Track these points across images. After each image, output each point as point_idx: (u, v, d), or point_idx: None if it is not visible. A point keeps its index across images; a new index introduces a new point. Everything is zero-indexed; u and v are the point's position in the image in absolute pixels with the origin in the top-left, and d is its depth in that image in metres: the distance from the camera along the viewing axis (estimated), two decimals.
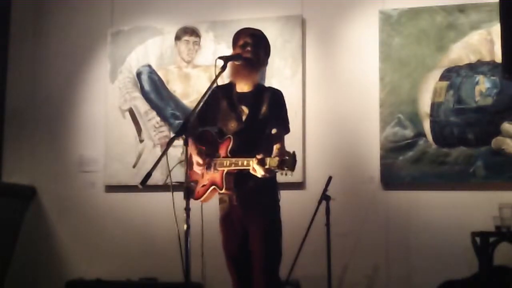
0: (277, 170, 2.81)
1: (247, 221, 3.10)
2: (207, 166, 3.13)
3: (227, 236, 3.17)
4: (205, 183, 3.15)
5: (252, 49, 3.18)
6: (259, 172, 2.87)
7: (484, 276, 3.87)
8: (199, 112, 3.23)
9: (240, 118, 3.16)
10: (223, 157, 3.08)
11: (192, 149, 3.16)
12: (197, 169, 3.18)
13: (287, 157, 2.78)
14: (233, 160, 3.01)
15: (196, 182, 3.19)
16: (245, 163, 2.95)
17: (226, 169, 3.04)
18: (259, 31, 3.31)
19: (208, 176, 3.14)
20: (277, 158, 2.81)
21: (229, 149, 3.07)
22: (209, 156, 3.14)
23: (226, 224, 3.18)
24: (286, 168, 2.78)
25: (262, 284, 3.04)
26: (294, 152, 2.79)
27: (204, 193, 3.14)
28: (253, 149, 2.97)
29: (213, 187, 3.10)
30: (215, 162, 3.10)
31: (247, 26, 3.38)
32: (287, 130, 3.22)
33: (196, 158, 3.16)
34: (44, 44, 5.35)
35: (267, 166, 2.83)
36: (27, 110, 5.31)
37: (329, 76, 4.74)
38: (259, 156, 2.86)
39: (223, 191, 3.06)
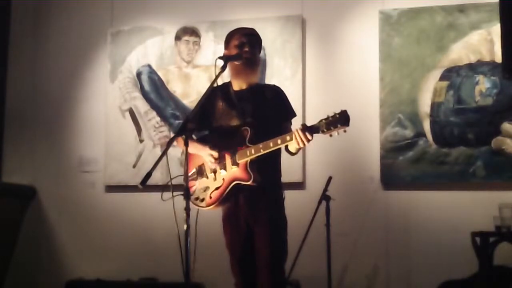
0: (326, 132, 2.79)
1: (253, 220, 3.09)
2: (220, 164, 3.10)
3: (232, 236, 3.16)
4: (218, 185, 3.11)
5: (249, 49, 3.17)
6: (305, 140, 2.86)
7: (484, 276, 3.87)
8: (196, 114, 3.22)
9: (242, 115, 3.16)
10: (243, 149, 3.04)
11: (200, 148, 3.14)
12: (211, 164, 3.13)
13: (331, 117, 2.77)
14: (260, 145, 2.97)
15: (206, 188, 3.16)
16: (279, 141, 2.92)
17: (249, 159, 3.01)
18: (253, 30, 3.29)
19: (221, 176, 3.11)
20: (323, 121, 2.80)
21: (247, 139, 3.05)
22: (221, 156, 3.12)
23: (230, 224, 3.16)
24: (339, 126, 2.76)
25: (268, 283, 3.03)
26: (343, 110, 2.78)
27: (221, 196, 3.09)
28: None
29: (234, 183, 3.06)
30: (234, 156, 3.06)
31: (247, 26, 3.38)
32: (294, 115, 3.26)
33: (209, 152, 3.11)
34: (44, 44, 5.35)
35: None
36: (27, 110, 5.31)
37: (329, 76, 4.74)
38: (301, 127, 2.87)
39: (251, 182, 3.01)
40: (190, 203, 2.78)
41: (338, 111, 2.80)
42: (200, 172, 3.19)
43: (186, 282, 2.70)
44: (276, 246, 3.06)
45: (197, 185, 3.20)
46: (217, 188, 3.12)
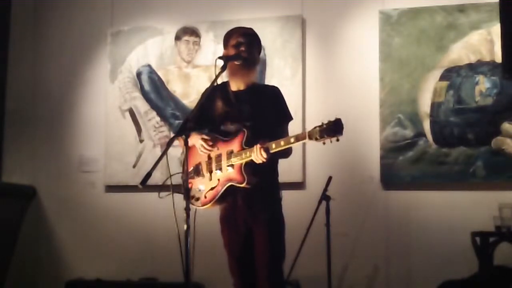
0: (319, 139, 2.79)
1: (252, 220, 3.09)
2: (217, 165, 3.10)
3: (230, 236, 3.16)
4: (214, 185, 3.11)
5: (246, 48, 3.17)
6: (262, 158, 2.89)
7: (484, 276, 3.87)
8: (196, 114, 3.21)
9: (240, 116, 3.16)
10: (239, 151, 3.04)
11: (194, 135, 3.12)
12: (203, 151, 3.13)
13: (325, 124, 2.77)
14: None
15: (201, 188, 3.15)
16: (273, 145, 2.92)
17: (244, 161, 3.00)
18: (251, 29, 3.29)
19: (216, 177, 3.11)
20: (317, 128, 2.80)
21: (244, 141, 3.04)
22: (219, 156, 3.11)
23: (228, 224, 3.16)
24: (332, 134, 2.75)
25: (267, 283, 3.03)
26: (337, 118, 2.77)
27: (215, 196, 3.08)
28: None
29: (228, 184, 3.05)
30: (230, 157, 3.06)
31: (247, 26, 3.37)
32: (290, 118, 3.26)
33: (202, 137, 3.11)
34: (44, 44, 5.35)
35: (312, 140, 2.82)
36: (27, 110, 5.32)
37: (329, 76, 4.74)
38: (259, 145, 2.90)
39: (244, 184, 3.01)
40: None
41: (333, 118, 2.78)
42: (197, 171, 3.19)
43: (186, 282, 2.70)
44: (274, 246, 3.07)
45: (197, 184, 3.20)
46: (212, 188, 3.12)
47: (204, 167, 3.18)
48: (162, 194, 2.91)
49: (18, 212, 5.15)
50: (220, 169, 3.10)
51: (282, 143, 2.93)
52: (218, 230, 3.22)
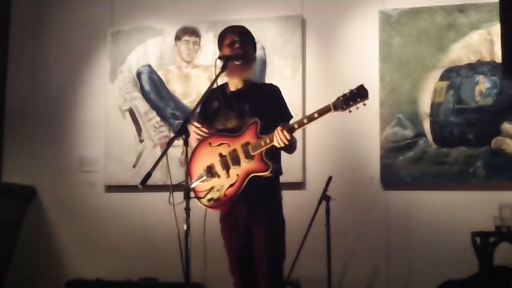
0: (345, 108, 2.86)
1: (251, 220, 3.08)
2: (233, 161, 3.07)
3: (230, 235, 3.15)
4: (233, 182, 3.05)
5: (240, 45, 3.18)
6: (285, 140, 2.90)
7: (484, 276, 3.87)
8: (198, 116, 3.19)
9: (240, 115, 3.15)
10: (256, 140, 3.01)
11: (190, 129, 3.09)
12: (201, 136, 3.11)
13: (348, 93, 2.83)
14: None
15: (220, 188, 3.07)
16: (296, 125, 2.93)
17: (264, 149, 2.98)
18: (244, 27, 3.31)
19: (235, 172, 3.05)
20: (341, 98, 2.85)
21: (258, 130, 3.03)
22: (233, 151, 3.07)
23: (228, 224, 3.15)
24: (358, 100, 2.83)
25: (267, 282, 3.03)
26: (360, 84, 2.84)
27: (237, 191, 3.02)
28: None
29: (251, 176, 3.01)
30: (246, 149, 3.03)
31: (247, 26, 3.38)
32: (290, 117, 3.24)
33: (195, 125, 3.10)
34: (44, 44, 5.35)
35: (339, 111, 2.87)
36: (27, 110, 5.32)
37: (329, 76, 4.74)
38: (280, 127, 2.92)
39: (268, 172, 2.98)
40: (203, 205, 2.76)
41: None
42: (211, 172, 3.10)
43: (186, 282, 2.70)
44: (274, 246, 3.06)
45: (215, 183, 3.12)
46: (231, 185, 3.05)
47: (218, 166, 3.10)
48: (175, 203, 2.85)
49: (18, 212, 5.15)
50: (238, 163, 3.06)
51: (305, 120, 2.94)
52: (218, 230, 3.22)
